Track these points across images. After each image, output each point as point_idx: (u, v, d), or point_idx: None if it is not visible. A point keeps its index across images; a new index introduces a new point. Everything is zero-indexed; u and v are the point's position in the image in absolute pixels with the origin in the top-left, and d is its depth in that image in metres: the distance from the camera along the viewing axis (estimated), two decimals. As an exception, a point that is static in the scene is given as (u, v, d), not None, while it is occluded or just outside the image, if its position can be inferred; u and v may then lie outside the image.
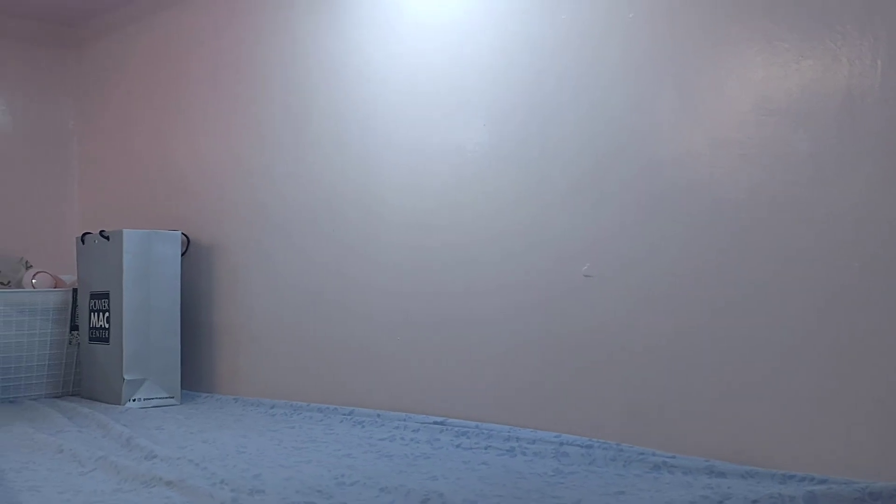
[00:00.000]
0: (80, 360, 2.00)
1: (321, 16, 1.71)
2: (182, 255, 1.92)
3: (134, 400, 1.82)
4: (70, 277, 2.12)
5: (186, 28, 2.05)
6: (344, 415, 1.56)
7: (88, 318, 1.95)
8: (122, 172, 2.28)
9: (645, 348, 1.21)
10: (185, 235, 1.96)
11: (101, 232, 1.90)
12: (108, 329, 1.87)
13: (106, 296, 1.88)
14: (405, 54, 1.55)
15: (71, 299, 2.03)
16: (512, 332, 1.38)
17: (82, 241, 1.98)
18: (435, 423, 1.42)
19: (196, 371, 1.97)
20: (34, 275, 2.08)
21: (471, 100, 1.44)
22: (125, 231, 1.83)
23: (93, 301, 1.93)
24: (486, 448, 1.28)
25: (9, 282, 2.11)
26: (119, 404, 1.81)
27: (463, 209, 1.46)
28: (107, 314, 1.88)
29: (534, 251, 1.36)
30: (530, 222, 1.37)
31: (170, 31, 2.10)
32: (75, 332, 2.02)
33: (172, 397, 1.86)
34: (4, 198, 2.33)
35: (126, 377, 1.81)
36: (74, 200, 2.45)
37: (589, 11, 1.30)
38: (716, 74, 1.16)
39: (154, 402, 1.84)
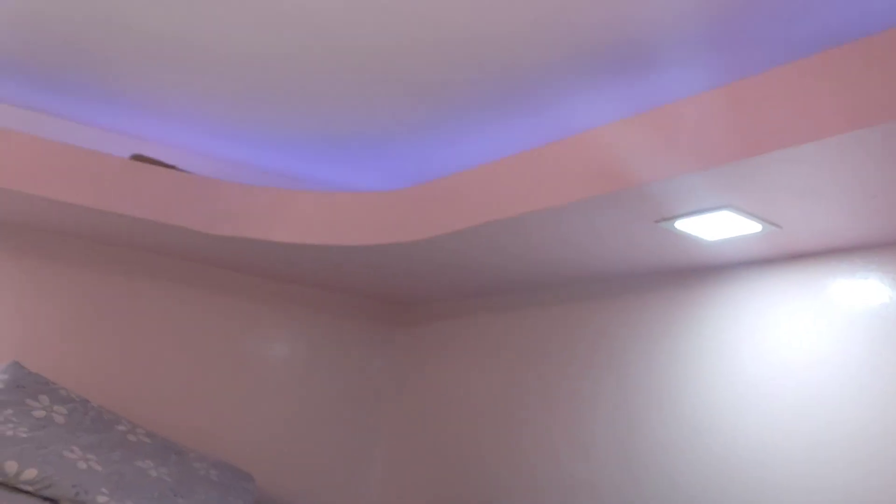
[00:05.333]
0: None
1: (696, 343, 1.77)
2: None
3: None
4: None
5: (519, 326, 2.20)
6: None
7: None
8: (426, 452, 2.39)
9: None
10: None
11: (428, 519, 1.98)
12: None
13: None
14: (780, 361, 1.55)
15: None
16: None
17: (404, 520, 2.06)
18: None
19: None
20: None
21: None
22: (453, 524, 1.90)
23: (407, 581, 1.98)
24: None
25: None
26: None
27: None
28: None
29: None
30: None
31: (506, 328, 2.26)
32: None
33: None
34: (324, 456, 2.50)
35: None
36: (376, 468, 2.58)
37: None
38: None
39: None
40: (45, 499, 1.60)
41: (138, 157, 1.92)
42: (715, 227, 1.41)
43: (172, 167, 1.92)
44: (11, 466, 1.57)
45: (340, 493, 2.50)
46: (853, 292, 1.43)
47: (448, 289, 2.29)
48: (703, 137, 1.15)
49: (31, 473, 1.58)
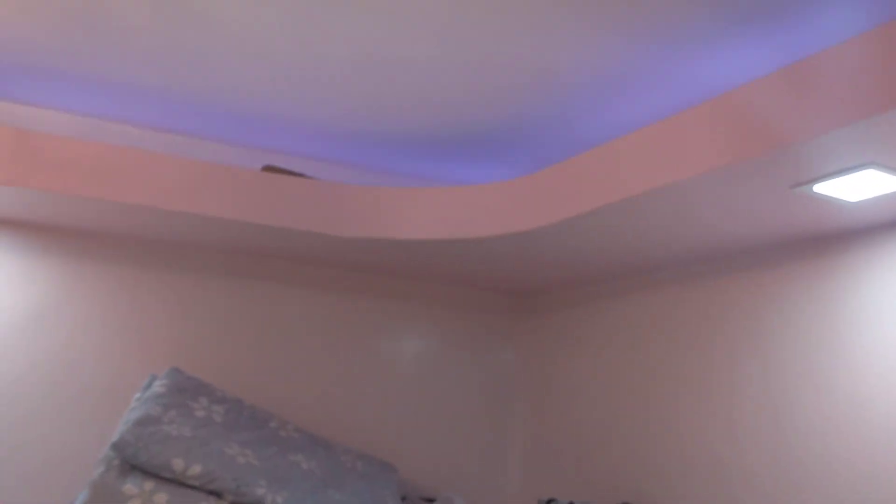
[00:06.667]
0: None
1: (814, 308, 1.68)
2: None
3: None
4: (524, 531, 2.19)
5: (647, 309, 2.14)
6: None
7: (548, 580, 1.98)
8: (564, 440, 2.37)
9: None
10: (643, 512, 1.94)
11: (571, 503, 1.95)
12: None
13: (571, 565, 1.90)
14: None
15: (527, 555, 2.10)
16: None
17: (547, 505, 2.05)
18: None
19: None
20: (497, 527, 2.18)
21: None
22: (597, 507, 1.87)
23: (555, 566, 1.97)
24: None
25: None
26: None
27: None
28: (571, 583, 1.89)
29: None
30: None
31: (634, 312, 2.20)
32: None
33: None
34: (461, 448, 2.52)
35: None
36: (514, 457, 2.57)
37: None
38: None
39: None
40: (210, 492, 1.69)
41: (269, 168, 1.99)
42: (857, 187, 1.32)
43: (301, 175, 1.98)
44: (178, 464, 1.67)
45: (479, 482, 2.51)
46: None
47: (573, 275, 2.25)
48: (844, 90, 1.07)
49: (196, 469, 1.68)
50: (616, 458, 2.14)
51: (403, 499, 2.24)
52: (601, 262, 2.04)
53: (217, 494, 1.69)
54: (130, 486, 1.65)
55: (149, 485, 1.67)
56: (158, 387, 1.92)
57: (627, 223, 1.66)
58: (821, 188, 1.34)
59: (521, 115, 1.97)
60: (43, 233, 2.15)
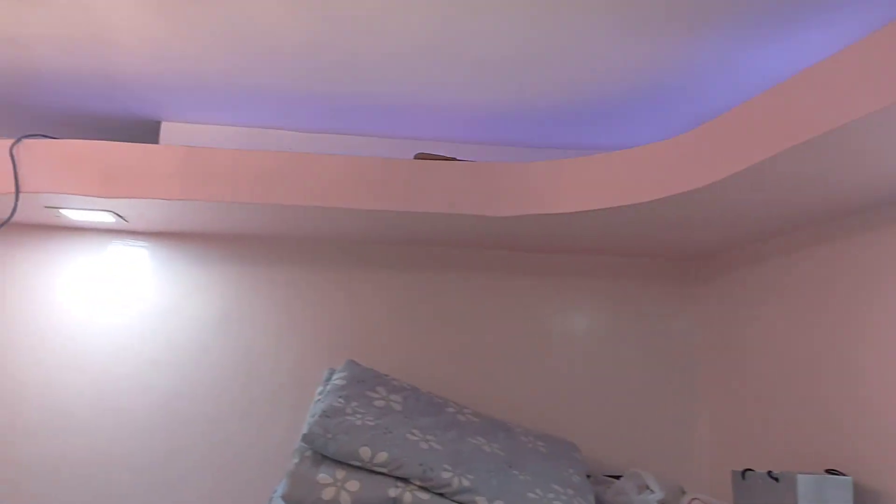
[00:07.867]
0: None
1: None
2: (853, 501, 1.75)
3: None
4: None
5: (834, 261, 1.97)
6: None
7: (751, 555, 1.87)
8: (755, 404, 2.23)
9: None
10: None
11: (770, 473, 1.84)
12: (782, 575, 1.76)
13: (776, 538, 1.79)
14: None
15: (726, 530, 2.00)
16: None
17: (742, 476, 1.94)
18: None
19: None
20: (689, 501, 2.10)
21: None
22: (799, 476, 1.74)
23: (757, 539, 1.86)
24: None
25: (664, 505, 2.16)
26: None
27: None
28: (777, 558, 1.78)
29: None
30: None
31: (819, 265, 2.04)
32: (731, 564, 1.97)
33: None
34: (643, 423, 2.44)
35: None
36: (705, 428, 2.46)
37: None
38: None
39: None
40: (398, 478, 1.73)
41: (421, 156, 2.01)
42: None
43: (452, 158, 1.98)
44: (365, 452, 1.72)
45: (668, 456, 2.43)
46: None
47: (745, 233, 2.11)
48: None
49: (382, 457, 1.72)
50: (815, 422, 1.99)
51: (588, 477, 2.20)
52: (776, 215, 1.90)
53: (405, 480, 1.73)
54: (324, 476, 1.72)
55: (340, 473, 1.73)
56: (338, 379, 1.99)
57: (806, 168, 1.53)
58: None
59: (676, 68, 1.87)
60: (219, 242, 2.29)
